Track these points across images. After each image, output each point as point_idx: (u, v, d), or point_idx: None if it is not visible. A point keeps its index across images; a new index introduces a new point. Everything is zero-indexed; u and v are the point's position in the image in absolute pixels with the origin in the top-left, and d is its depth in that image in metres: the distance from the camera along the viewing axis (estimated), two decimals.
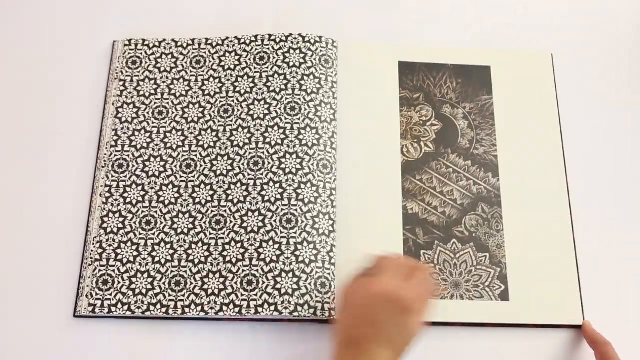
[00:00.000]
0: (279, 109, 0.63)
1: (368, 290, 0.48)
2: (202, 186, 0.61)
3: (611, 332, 0.57)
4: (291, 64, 0.65)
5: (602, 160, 0.66)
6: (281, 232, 0.59)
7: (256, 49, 0.66)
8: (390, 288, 0.48)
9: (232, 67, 0.66)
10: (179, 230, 0.60)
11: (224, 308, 0.57)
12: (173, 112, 0.64)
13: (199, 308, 0.57)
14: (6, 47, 0.68)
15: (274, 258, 0.58)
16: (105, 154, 0.63)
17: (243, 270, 0.58)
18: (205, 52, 0.67)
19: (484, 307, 0.59)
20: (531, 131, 0.66)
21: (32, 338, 0.57)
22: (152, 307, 0.57)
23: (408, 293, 0.48)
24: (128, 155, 0.63)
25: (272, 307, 0.56)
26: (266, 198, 0.60)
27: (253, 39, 0.66)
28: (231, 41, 0.67)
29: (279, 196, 0.60)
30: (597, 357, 0.56)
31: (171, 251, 0.59)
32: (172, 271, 0.58)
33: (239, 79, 0.65)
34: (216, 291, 0.57)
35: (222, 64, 0.66)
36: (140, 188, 0.61)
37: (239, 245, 0.59)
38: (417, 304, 0.48)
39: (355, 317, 0.48)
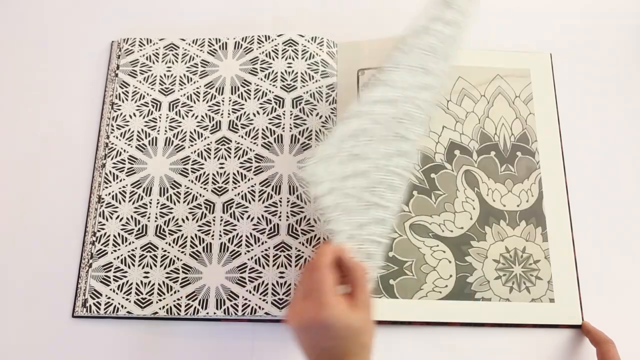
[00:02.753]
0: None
1: (317, 322, 0.43)
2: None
3: (609, 332, 0.57)
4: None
5: (601, 159, 0.66)
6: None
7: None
8: (337, 316, 0.43)
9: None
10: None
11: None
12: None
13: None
14: (5, 48, 0.68)
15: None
16: (103, 154, 0.63)
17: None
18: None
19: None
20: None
21: (31, 338, 0.57)
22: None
23: (357, 315, 0.44)
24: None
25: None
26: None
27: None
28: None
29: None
30: (599, 356, 0.56)
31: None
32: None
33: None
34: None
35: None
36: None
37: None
38: (367, 324, 0.45)
39: (318, 354, 0.44)
